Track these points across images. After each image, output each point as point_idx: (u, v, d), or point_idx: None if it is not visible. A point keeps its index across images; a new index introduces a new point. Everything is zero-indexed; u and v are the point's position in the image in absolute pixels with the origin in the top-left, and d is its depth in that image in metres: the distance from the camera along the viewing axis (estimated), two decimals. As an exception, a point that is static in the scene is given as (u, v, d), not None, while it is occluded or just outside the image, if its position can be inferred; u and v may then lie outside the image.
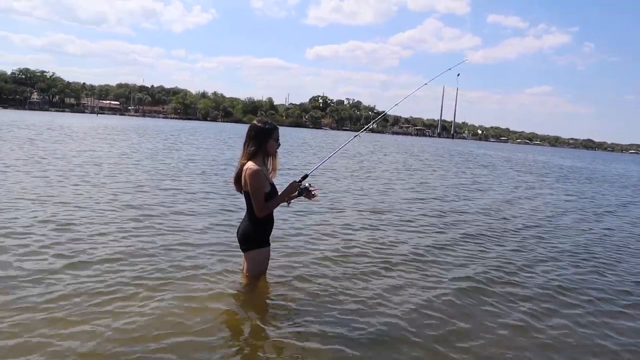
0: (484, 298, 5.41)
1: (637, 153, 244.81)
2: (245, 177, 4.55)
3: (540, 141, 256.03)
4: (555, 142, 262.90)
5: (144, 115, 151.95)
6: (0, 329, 3.79)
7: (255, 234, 4.74)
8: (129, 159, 17.38)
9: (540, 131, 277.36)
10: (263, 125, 4.69)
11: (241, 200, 4.79)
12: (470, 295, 5.46)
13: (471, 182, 18.63)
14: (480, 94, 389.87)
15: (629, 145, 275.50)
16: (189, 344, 3.84)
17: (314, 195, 4.75)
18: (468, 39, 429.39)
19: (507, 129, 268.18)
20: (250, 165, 4.56)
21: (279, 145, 4.79)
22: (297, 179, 4.74)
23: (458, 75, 4.83)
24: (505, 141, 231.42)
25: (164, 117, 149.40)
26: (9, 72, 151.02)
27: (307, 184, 4.71)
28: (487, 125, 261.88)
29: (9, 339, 3.66)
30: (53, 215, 7.44)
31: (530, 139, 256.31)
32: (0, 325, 3.83)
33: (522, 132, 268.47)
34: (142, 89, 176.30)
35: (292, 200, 4.83)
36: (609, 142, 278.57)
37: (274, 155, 4.76)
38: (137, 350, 3.68)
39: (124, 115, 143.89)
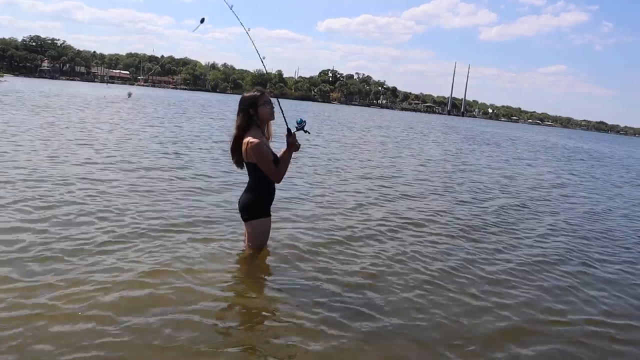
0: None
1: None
2: (247, 150, 4.58)
3: (552, 122, 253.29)
4: (567, 123, 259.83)
5: (153, 85, 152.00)
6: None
7: (256, 204, 4.80)
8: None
9: (552, 112, 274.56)
10: (248, 95, 4.72)
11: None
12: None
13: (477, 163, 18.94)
14: (493, 71, 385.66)
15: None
16: (186, 318, 3.83)
17: (306, 131, 4.82)
18: (484, 15, 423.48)
19: (519, 108, 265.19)
20: (250, 139, 4.58)
21: (272, 108, 4.75)
22: (288, 131, 4.69)
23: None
24: (517, 121, 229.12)
25: (173, 88, 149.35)
26: (19, 39, 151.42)
27: (296, 128, 4.72)
28: (499, 104, 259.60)
29: None
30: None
31: (541, 119, 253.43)
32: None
33: (534, 112, 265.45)
34: (151, 59, 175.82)
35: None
36: (622, 125, 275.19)
37: (268, 120, 4.78)
38: (136, 322, 3.70)
39: (134, 84, 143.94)
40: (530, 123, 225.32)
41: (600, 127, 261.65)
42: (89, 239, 5.29)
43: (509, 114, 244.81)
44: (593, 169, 21.54)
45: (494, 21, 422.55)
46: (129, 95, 18.01)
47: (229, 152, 4.84)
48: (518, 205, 9.83)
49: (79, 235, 5.40)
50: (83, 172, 8.73)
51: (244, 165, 4.78)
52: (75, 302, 3.89)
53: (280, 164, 4.71)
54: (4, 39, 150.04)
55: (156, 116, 26.25)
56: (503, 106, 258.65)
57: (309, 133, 4.91)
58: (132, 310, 3.87)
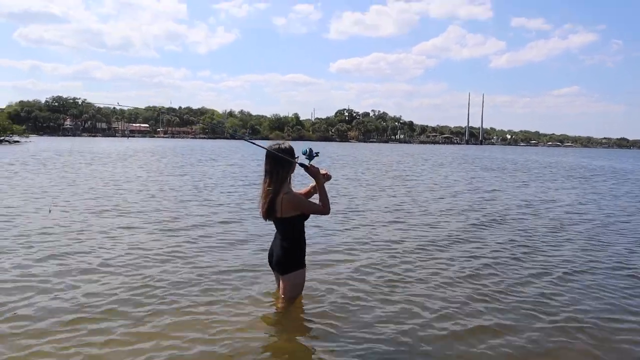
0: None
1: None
2: (285, 207, 4.51)
3: (572, 142, 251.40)
4: (587, 142, 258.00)
5: (172, 136, 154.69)
6: None
7: (293, 256, 4.71)
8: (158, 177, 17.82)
9: (571, 132, 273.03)
10: (288, 146, 4.63)
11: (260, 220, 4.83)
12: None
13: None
14: (507, 98, 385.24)
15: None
16: None
17: (316, 154, 4.72)
18: (492, 44, 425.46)
19: (537, 132, 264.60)
20: (284, 196, 4.51)
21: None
22: (307, 164, 4.61)
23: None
24: (536, 144, 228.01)
25: (192, 137, 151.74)
26: (43, 101, 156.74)
27: (308, 160, 4.63)
28: (516, 130, 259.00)
29: None
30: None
31: (561, 140, 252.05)
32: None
33: (553, 134, 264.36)
34: (170, 110, 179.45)
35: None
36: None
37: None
38: None
39: (154, 137, 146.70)
40: (550, 145, 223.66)
41: (622, 144, 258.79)
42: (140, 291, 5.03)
43: (528, 138, 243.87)
44: None
45: (502, 49, 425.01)
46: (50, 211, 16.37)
47: (261, 203, 4.68)
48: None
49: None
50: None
51: (274, 218, 4.66)
52: None
53: (321, 199, 4.63)
54: (28, 101, 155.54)
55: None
56: (521, 131, 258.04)
57: (318, 154, 4.76)
58: None
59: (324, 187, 4.66)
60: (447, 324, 4.82)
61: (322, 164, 4.63)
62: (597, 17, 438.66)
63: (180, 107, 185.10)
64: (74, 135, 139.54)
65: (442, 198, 15.18)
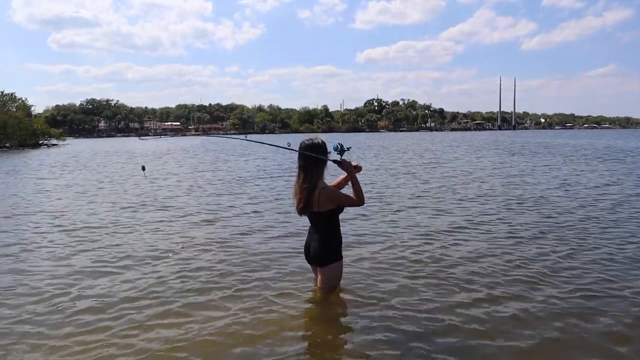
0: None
1: None
2: (322, 200, 4.62)
3: (609, 124, 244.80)
4: (626, 123, 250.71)
5: (204, 133, 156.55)
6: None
7: (329, 249, 4.81)
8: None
9: (608, 114, 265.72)
10: (321, 142, 4.75)
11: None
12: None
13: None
14: (539, 81, 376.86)
15: None
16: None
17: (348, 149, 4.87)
18: (523, 26, 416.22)
19: (572, 114, 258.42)
20: (321, 191, 4.63)
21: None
22: (339, 159, 4.74)
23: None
24: (571, 127, 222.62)
25: (223, 134, 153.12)
26: (77, 104, 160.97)
27: (340, 155, 4.76)
28: (550, 113, 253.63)
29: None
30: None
31: (598, 122, 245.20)
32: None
33: (589, 116, 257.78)
34: (200, 108, 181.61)
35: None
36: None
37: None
38: None
39: (186, 135, 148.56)
40: (586, 127, 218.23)
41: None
42: (165, 292, 5.28)
43: (563, 121, 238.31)
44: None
45: (533, 30, 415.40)
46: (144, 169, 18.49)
47: (296, 199, 4.80)
48: None
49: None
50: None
51: (310, 213, 4.77)
52: None
53: (355, 191, 4.75)
54: (63, 105, 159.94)
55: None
56: (555, 114, 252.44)
57: (349, 149, 4.95)
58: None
59: (356, 178, 4.77)
60: (499, 312, 4.78)
61: (351, 156, 4.73)
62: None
63: (210, 104, 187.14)
64: (109, 136, 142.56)
65: (476, 183, 15.14)
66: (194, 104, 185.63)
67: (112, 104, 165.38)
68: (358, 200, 4.74)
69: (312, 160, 4.65)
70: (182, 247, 7.28)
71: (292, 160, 27.30)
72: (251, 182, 16.76)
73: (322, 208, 4.67)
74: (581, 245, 7.23)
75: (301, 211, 4.80)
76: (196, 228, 9.01)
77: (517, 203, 11.26)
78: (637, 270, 6.03)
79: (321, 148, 4.72)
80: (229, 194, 13.84)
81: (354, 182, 4.76)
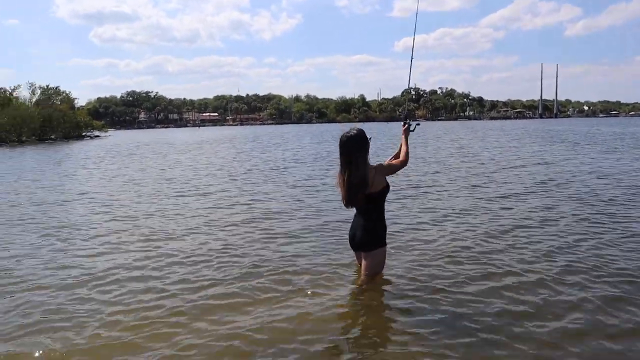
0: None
1: None
2: (377, 178, 4.81)
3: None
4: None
5: (241, 124, 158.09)
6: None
7: (376, 234, 4.96)
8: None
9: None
10: (364, 134, 4.88)
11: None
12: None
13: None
14: (583, 67, 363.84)
15: None
16: (318, 347, 3.95)
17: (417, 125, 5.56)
18: (567, 11, 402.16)
19: (618, 101, 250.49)
20: (372, 169, 4.82)
21: None
22: (404, 126, 5.39)
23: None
24: (617, 115, 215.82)
25: (260, 124, 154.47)
26: (118, 97, 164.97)
27: (409, 123, 5.43)
28: (594, 100, 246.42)
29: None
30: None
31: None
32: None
33: (636, 103, 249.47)
34: (237, 98, 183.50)
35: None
36: None
37: None
38: (258, 350, 3.89)
39: (224, 125, 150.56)
40: (632, 115, 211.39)
41: None
42: (215, 280, 5.47)
43: (607, 109, 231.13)
44: None
45: (578, 15, 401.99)
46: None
47: (343, 192, 4.92)
48: None
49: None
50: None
51: (361, 197, 4.86)
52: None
53: (404, 151, 5.19)
54: (105, 97, 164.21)
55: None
56: (599, 101, 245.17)
57: (419, 124, 5.72)
58: (251, 340, 4.06)
59: (407, 142, 5.28)
60: (543, 310, 4.60)
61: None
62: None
63: (247, 95, 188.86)
64: (149, 127, 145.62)
65: (513, 171, 14.98)
66: (231, 95, 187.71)
67: (152, 96, 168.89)
68: (404, 159, 5.11)
69: (361, 149, 4.81)
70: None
71: (326, 150, 27.55)
72: (291, 170, 17.02)
73: (376, 188, 4.83)
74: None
75: (350, 202, 4.92)
76: (239, 215, 9.21)
77: (556, 187, 11.15)
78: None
79: (364, 138, 4.86)
80: (270, 181, 14.08)
81: (406, 142, 5.27)
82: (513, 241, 6.86)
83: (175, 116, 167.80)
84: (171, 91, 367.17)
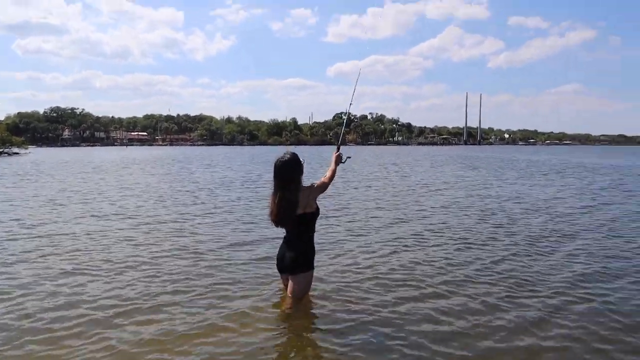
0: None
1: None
2: (311, 197, 4.97)
3: (570, 140, 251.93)
4: (586, 140, 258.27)
5: (171, 144, 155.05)
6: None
7: (306, 257, 5.03)
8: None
9: (569, 130, 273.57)
10: (298, 158, 5.01)
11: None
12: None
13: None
14: (505, 97, 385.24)
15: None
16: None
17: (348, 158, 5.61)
18: (490, 44, 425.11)
19: (535, 130, 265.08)
20: (305, 190, 4.94)
21: None
22: (337, 152, 5.46)
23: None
24: (534, 143, 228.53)
25: (191, 145, 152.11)
26: (41, 112, 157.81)
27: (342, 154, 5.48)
28: (515, 129, 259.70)
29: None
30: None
31: (559, 139, 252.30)
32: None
33: (551, 132, 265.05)
34: (168, 118, 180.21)
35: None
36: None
37: None
38: None
39: (152, 145, 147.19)
40: (548, 144, 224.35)
41: (620, 141, 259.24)
42: (138, 297, 5.38)
43: (526, 137, 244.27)
44: None
45: (501, 48, 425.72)
46: None
47: (275, 211, 4.96)
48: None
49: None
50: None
51: (293, 218, 4.95)
52: None
53: (332, 172, 5.30)
54: (26, 112, 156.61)
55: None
56: (519, 130, 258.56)
57: (350, 158, 5.77)
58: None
59: (335, 167, 5.35)
60: (458, 321, 4.94)
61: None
62: (596, 14, 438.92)
63: (178, 115, 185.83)
64: (73, 145, 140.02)
65: (431, 194, 15.54)
66: (161, 114, 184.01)
67: (78, 113, 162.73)
68: (330, 175, 5.23)
69: (296, 172, 4.94)
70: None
71: (249, 172, 27.60)
72: (219, 192, 16.81)
73: (310, 209, 4.98)
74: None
75: (280, 222, 5.00)
76: (165, 237, 9.03)
77: (475, 213, 11.68)
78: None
79: (298, 162, 4.98)
80: (198, 203, 13.88)
81: (334, 166, 5.34)
82: (437, 262, 7.14)
83: (102, 134, 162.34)
84: (100, 108, 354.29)
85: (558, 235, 9.32)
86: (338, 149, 5.49)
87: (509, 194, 16.43)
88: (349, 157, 5.71)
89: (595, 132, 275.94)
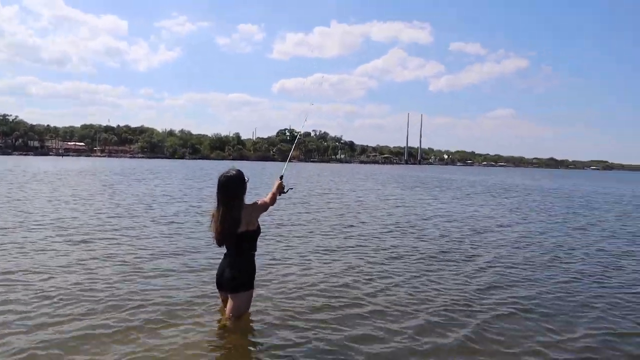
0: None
1: (597, 169, 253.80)
2: (253, 215, 5.00)
3: (505, 162, 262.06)
4: (519, 162, 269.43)
5: (110, 155, 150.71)
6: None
7: (247, 275, 5.02)
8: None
9: (505, 153, 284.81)
10: (243, 175, 5.05)
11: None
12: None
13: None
14: (446, 119, 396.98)
15: (589, 161, 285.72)
16: None
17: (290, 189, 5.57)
18: (432, 67, 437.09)
19: (473, 152, 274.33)
20: (247, 208, 4.99)
21: None
22: (280, 180, 5.40)
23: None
24: (471, 164, 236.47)
25: (131, 157, 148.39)
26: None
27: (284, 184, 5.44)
28: (453, 150, 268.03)
29: None
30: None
31: (495, 161, 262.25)
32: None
33: (487, 154, 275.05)
34: (107, 129, 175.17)
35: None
36: (570, 159, 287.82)
37: None
38: None
39: (90, 156, 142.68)
40: (484, 165, 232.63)
41: (551, 163, 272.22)
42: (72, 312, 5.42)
43: (464, 158, 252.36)
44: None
45: (442, 72, 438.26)
46: None
47: (217, 229, 4.98)
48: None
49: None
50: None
51: (234, 236, 4.97)
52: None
53: (273, 195, 5.27)
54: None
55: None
56: (457, 151, 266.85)
57: (292, 189, 5.75)
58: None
59: (275, 194, 5.30)
60: (395, 337, 5.25)
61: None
62: (528, 44, 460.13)
63: (118, 126, 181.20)
64: (4, 153, 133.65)
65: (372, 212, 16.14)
66: (100, 125, 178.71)
67: (10, 120, 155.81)
68: (271, 198, 5.24)
69: (239, 189, 4.99)
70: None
71: (197, 187, 27.45)
72: (156, 206, 16.79)
73: (252, 227, 5.01)
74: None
75: (223, 240, 5.03)
76: (98, 250, 9.02)
77: (410, 228, 12.34)
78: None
79: (243, 179, 5.04)
80: (133, 216, 13.86)
81: (275, 190, 5.31)
82: (369, 276, 7.68)
83: (36, 143, 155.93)
84: (33, 115, 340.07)
85: (483, 250, 10.23)
86: (281, 177, 5.45)
87: (443, 213, 17.36)
88: (291, 189, 5.69)
89: (528, 155, 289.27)
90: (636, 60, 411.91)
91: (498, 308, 6.37)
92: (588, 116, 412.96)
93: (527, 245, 11.21)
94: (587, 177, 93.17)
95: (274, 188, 5.34)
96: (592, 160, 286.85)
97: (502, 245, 11.04)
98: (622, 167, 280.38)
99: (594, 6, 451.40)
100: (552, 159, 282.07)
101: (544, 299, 6.85)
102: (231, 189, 4.94)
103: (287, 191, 5.46)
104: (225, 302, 5.26)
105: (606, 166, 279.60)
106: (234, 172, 5.02)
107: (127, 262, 8.15)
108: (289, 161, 5.97)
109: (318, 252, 9.49)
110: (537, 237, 12.39)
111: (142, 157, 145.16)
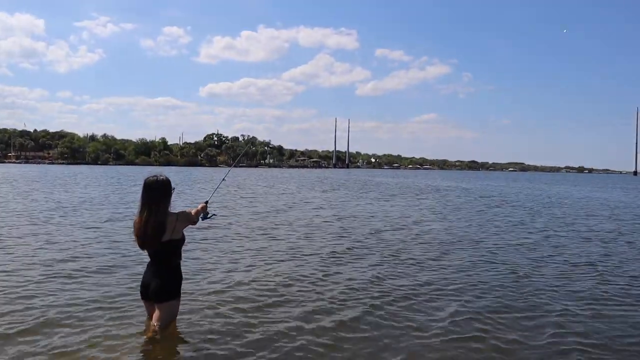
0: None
1: (515, 170, 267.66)
2: (178, 223, 4.93)
3: (430, 165, 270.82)
4: (443, 165, 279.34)
5: (27, 162, 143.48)
6: None
7: (173, 284, 4.97)
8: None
9: (429, 156, 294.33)
10: (165, 178, 5.01)
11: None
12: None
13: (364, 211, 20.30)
14: (373, 124, 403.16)
15: (507, 163, 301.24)
16: None
17: (213, 216, 5.55)
18: (358, 72, 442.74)
19: (399, 155, 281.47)
20: (172, 215, 4.92)
21: None
22: (205, 203, 5.43)
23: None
24: (398, 167, 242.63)
25: (50, 163, 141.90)
26: None
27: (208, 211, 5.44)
28: (380, 154, 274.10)
29: None
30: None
31: (420, 163, 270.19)
32: None
33: (413, 157, 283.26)
34: (23, 133, 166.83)
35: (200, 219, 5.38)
36: (490, 162, 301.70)
37: None
38: None
39: (4, 162, 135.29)
40: (410, 168, 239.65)
41: (472, 166, 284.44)
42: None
43: (391, 162, 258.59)
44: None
45: (368, 77, 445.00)
46: None
47: (140, 232, 4.90)
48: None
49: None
50: None
51: (158, 244, 4.92)
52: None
53: (196, 213, 5.27)
54: None
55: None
56: (384, 155, 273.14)
57: (215, 215, 5.78)
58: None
59: (199, 214, 5.31)
60: (318, 338, 5.37)
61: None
62: (450, 51, 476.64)
63: (35, 130, 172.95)
64: None
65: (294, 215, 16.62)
66: (15, 129, 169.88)
67: None
68: (196, 217, 5.24)
69: (166, 194, 4.96)
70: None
71: (117, 193, 26.86)
72: (77, 212, 16.52)
73: (176, 234, 4.96)
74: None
75: (145, 244, 4.95)
76: (18, 258, 8.91)
77: (338, 232, 12.94)
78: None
79: (169, 186, 5.03)
80: (54, 224, 13.65)
81: (200, 209, 5.35)
82: (299, 285, 7.60)
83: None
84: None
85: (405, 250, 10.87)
86: (206, 202, 5.47)
87: (368, 212, 18.22)
88: (215, 215, 5.64)
89: (451, 158, 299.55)
90: (547, 71, 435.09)
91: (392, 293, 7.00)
92: (506, 121, 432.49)
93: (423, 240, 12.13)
94: (505, 178, 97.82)
95: (198, 207, 5.37)
96: (509, 162, 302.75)
97: (404, 241, 11.93)
98: (536, 169, 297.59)
99: (509, 19, 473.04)
100: (473, 161, 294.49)
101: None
102: (158, 192, 4.90)
103: (210, 217, 5.44)
104: (150, 310, 5.20)
105: (522, 167, 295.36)
106: (162, 177, 5.01)
107: (51, 267, 8.11)
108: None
109: (248, 259, 9.34)
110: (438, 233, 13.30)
111: (63, 163, 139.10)
